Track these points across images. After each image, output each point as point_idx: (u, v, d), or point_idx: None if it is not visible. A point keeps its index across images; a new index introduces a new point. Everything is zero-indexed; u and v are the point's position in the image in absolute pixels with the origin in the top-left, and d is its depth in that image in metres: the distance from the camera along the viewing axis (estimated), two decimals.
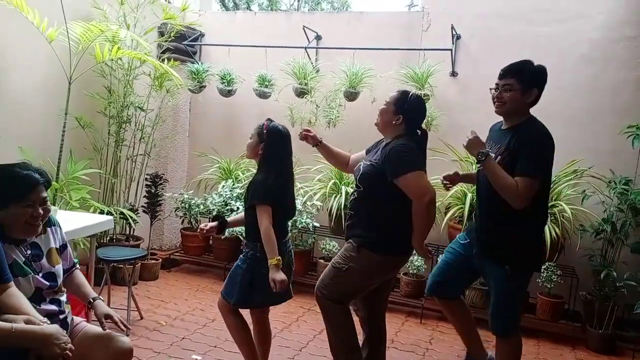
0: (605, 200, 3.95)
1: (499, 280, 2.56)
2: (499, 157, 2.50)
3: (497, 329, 2.64)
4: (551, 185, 3.98)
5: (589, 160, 4.08)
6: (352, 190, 2.91)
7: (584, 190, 3.98)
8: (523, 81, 2.48)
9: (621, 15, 4.15)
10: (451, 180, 2.90)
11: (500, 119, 2.68)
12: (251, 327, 2.82)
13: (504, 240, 2.53)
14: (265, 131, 2.64)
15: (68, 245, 2.24)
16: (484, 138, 2.62)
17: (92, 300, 2.16)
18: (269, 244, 2.51)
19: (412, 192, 2.44)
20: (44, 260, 2.03)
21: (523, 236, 2.50)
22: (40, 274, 2.00)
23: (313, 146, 2.99)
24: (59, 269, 2.09)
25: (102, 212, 4.09)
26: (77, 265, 2.30)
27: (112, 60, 4.21)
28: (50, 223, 2.13)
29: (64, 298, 2.10)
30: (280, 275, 2.48)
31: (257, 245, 2.60)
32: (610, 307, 3.77)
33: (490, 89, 2.60)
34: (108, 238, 4.54)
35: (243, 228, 2.81)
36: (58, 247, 2.14)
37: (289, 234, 2.82)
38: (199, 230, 2.85)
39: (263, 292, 2.59)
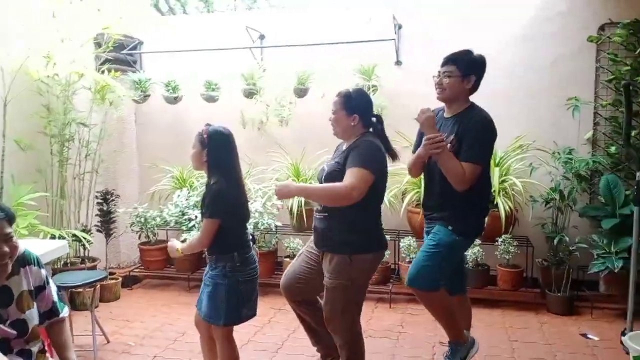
0: (552, 171, 4.16)
1: (437, 235, 2.66)
2: (449, 145, 2.60)
3: (411, 277, 2.65)
4: (500, 161, 4.19)
5: (533, 135, 4.28)
6: None
7: (531, 163, 4.17)
8: (462, 68, 2.63)
9: None
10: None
11: (441, 105, 2.81)
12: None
13: (450, 206, 2.65)
14: (205, 136, 2.54)
15: (49, 286, 2.00)
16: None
17: None
18: (191, 250, 2.63)
19: (348, 179, 2.43)
20: (13, 306, 1.83)
21: (468, 205, 2.63)
22: (8, 322, 1.81)
23: None
24: (31, 314, 1.88)
25: (53, 237, 3.91)
26: (63, 316, 2.05)
27: (48, 77, 4.03)
28: (25, 262, 1.91)
29: (36, 348, 1.90)
30: (174, 253, 2.64)
31: (233, 256, 2.52)
32: (566, 271, 3.97)
33: (433, 76, 2.73)
34: (62, 263, 4.35)
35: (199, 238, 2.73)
36: (32, 289, 1.92)
37: (253, 246, 2.69)
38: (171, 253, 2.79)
39: (248, 303, 2.57)
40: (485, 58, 2.70)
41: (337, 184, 2.46)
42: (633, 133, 3.87)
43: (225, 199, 2.50)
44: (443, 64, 2.68)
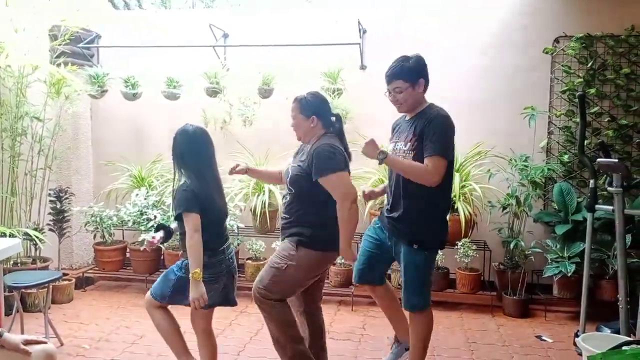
0: (509, 177, 4.29)
1: (409, 258, 2.70)
2: (408, 144, 2.65)
3: (411, 305, 2.75)
4: (460, 167, 4.30)
5: (491, 142, 4.41)
6: (283, 194, 2.91)
7: (489, 170, 4.29)
8: (408, 78, 2.64)
9: (517, 5, 4.50)
10: (368, 198, 3.08)
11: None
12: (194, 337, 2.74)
13: (412, 222, 2.69)
14: (174, 136, 2.63)
15: None
16: (388, 130, 2.86)
17: None
18: (193, 254, 2.47)
19: (335, 193, 2.54)
20: None
21: (429, 218, 2.68)
22: None
23: (244, 174, 3.01)
24: None
25: (3, 235, 3.72)
26: None
27: (0, 68, 3.83)
28: None
29: None
30: (200, 291, 2.46)
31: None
32: (521, 274, 4.10)
33: (384, 93, 2.75)
34: (12, 262, 4.14)
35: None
36: None
37: (229, 240, 2.76)
38: (147, 244, 2.69)
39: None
40: (422, 57, 2.70)
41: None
42: (586, 142, 4.05)
43: (193, 193, 2.49)
44: (388, 82, 2.69)
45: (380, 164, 2.64)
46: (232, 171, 2.93)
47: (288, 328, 2.69)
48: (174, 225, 2.78)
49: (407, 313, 2.84)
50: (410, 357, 2.86)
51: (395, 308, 3.02)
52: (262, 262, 4.50)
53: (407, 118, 2.78)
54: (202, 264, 2.47)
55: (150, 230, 4.37)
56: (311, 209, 2.62)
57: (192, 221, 2.47)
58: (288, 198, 2.70)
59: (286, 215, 2.71)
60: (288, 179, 2.66)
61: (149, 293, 2.73)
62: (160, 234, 2.70)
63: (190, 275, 2.45)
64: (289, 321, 2.70)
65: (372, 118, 4.32)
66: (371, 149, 2.60)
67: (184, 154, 2.58)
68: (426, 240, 2.69)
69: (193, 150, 2.59)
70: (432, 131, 2.57)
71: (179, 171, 2.60)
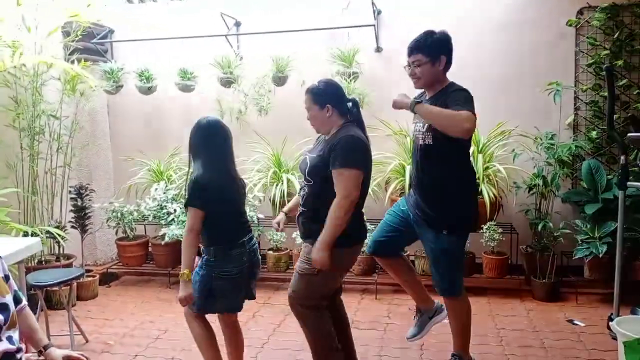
0: (534, 157, 4.14)
1: (438, 244, 2.64)
2: (426, 125, 2.56)
3: (444, 291, 2.72)
4: (484, 147, 4.17)
5: (515, 121, 4.25)
6: (300, 185, 2.78)
7: (514, 149, 4.14)
8: (429, 53, 2.55)
9: None
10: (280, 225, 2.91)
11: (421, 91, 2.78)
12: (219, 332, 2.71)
13: (439, 207, 2.61)
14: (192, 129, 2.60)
15: (10, 277, 2.00)
16: (406, 113, 2.68)
17: (43, 350, 1.98)
18: (185, 251, 2.44)
19: (339, 188, 2.39)
20: None
21: (456, 201, 2.60)
22: None
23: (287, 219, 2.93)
24: (10, 299, 1.88)
25: (25, 234, 3.76)
26: (25, 303, 2.07)
27: (15, 67, 3.84)
28: None
29: (17, 335, 1.89)
30: (185, 292, 2.43)
31: (209, 249, 2.52)
32: (550, 257, 3.97)
33: (404, 67, 2.66)
34: (36, 261, 4.18)
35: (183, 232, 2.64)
36: (3, 276, 1.92)
37: (252, 233, 2.68)
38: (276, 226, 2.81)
39: (224, 298, 2.51)
40: (448, 34, 2.61)
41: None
42: (615, 117, 3.87)
43: (202, 187, 2.45)
44: (409, 54, 2.61)
45: (412, 111, 2.53)
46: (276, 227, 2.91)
47: (325, 338, 2.60)
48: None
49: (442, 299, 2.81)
50: (455, 343, 2.82)
51: (411, 277, 2.96)
52: (283, 253, 4.47)
53: (427, 97, 2.67)
54: (192, 265, 2.44)
55: (172, 224, 4.37)
56: (331, 202, 2.43)
57: (191, 216, 2.43)
58: (306, 190, 2.55)
59: (304, 209, 2.57)
60: (307, 169, 2.51)
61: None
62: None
63: (179, 275, 2.42)
64: (327, 331, 2.61)
65: (390, 102, 4.18)
66: (400, 101, 2.57)
67: (194, 146, 2.56)
68: (454, 224, 2.61)
69: (204, 142, 2.55)
70: (453, 98, 2.47)
71: (192, 163, 2.58)
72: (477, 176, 3.05)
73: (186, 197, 2.49)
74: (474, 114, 2.40)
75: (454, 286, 2.71)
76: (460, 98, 2.46)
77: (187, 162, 2.63)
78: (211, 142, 2.55)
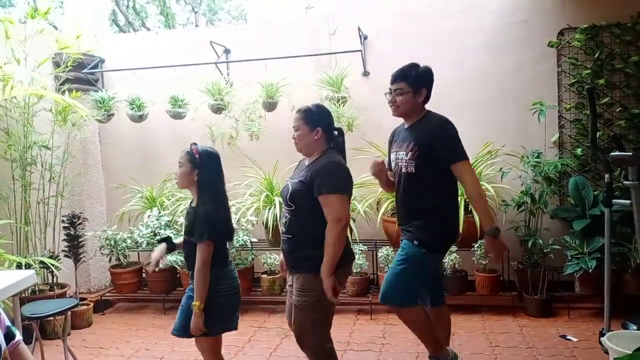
0: (522, 175, 4.22)
1: (404, 249, 2.70)
2: (409, 153, 2.66)
3: (385, 298, 2.72)
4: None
5: (501, 140, 4.34)
6: (282, 212, 2.77)
7: (501, 168, 4.22)
8: (412, 84, 2.66)
9: (512, 1, 4.45)
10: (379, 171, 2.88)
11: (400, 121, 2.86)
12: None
13: (415, 217, 2.69)
14: (197, 156, 2.52)
15: (2, 312, 1.98)
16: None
17: None
18: (201, 283, 2.43)
19: (330, 213, 2.41)
20: None
21: (433, 216, 2.67)
22: None
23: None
24: (0, 336, 1.86)
25: (19, 266, 3.74)
26: (19, 338, 2.02)
27: (5, 100, 3.87)
28: None
29: None
30: (201, 322, 2.43)
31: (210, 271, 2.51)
32: (541, 273, 4.03)
33: (385, 93, 2.76)
34: (30, 291, 4.16)
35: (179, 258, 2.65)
36: None
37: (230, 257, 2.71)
38: (150, 267, 2.68)
39: (222, 317, 2.52)
40: (431, 69, 2.72)
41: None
42: (598, 135, 3.97)
43: (215, 221, 2.46)
44: (393, 81, 2.71)
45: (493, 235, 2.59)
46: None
47: None
48: (177, 240, 2.76)
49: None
50: (428, 349, 2.83)
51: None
52: (277, 276, 4.48)
53: (406, 127, 2.78)
54: (205, 296, 2.43)
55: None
56: (315, 226, 2.45)
57: (206, 250, 2.43)
58: (288, 216, 2.54)
59: (288, 235, 2.55)
60: (287, 195, 2.52)
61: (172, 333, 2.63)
62: (159, 252, 2.69)
63: (194, 306, 2.42)
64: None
65: (378, 125, 4.27)
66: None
67: (207, 176, 2.54)
68: (426, 237, 2.65)
69: (216, 171, 2.56)
70: (442, 138, 2.60)
71: (202, 192, 2.53)
72: (460, 195, 3.11)
73: (204, 231, 2.43)
74: (465, 156, 2.59)
75: (397, 297, 2.69)
76: (449, 143, 2.59)
77: (182, 190, 2.63)
78: (222, 171, 2.59)
